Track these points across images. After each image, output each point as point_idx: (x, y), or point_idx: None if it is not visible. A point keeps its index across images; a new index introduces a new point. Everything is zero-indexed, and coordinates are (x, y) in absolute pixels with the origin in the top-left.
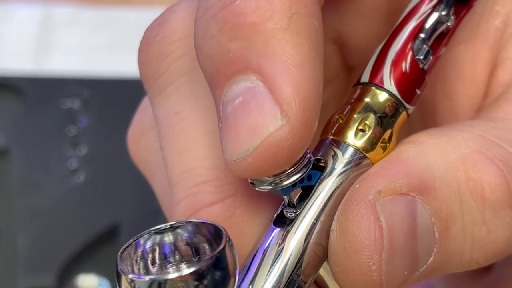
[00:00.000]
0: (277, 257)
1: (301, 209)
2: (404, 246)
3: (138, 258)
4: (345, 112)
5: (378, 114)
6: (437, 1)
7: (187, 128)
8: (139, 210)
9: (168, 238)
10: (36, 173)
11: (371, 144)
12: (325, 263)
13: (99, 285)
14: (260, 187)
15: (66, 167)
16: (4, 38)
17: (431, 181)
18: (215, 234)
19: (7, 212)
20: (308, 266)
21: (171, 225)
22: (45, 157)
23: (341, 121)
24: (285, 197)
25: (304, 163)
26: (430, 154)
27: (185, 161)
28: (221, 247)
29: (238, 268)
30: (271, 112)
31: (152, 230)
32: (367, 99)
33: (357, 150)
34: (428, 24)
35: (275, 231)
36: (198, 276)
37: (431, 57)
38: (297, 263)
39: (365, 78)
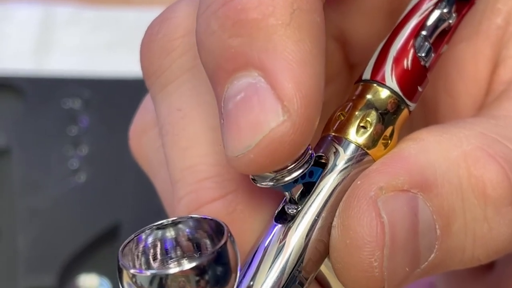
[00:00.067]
0: (279, 253)
1: (302, 206)
2: (406, 243)
3: (140, 254)
4: (346, 109)
5: (380, 111)
6: None
7: (189, 125)
8: (140, 210)
9: (170, 233)
10: (36, 173)
11: (373, 141)
12: (326, 260)
13: (100, 285)
14: (262, 183)
15: (67, 167)
16: (4, 38)
17: (432, 178)
18: (217, 229)
19: (8, 212)
20: (310, 262)
21: (172, 220)
22: (46, 157)
23: (342, 118)
24: (286, 193)
25: (306, 159)
26: (431, 151)
27: (187, 157)
28: (222, 242)
29: (239, 264)
30: (272, 108)
31: (154, 225)
32: (368, 96)
33: (358, 146)
34: (429, 22)
35: (277, 227)
36: (199, 271)
37: (432, 55)
38: (299, 259)
39: (366, 75)
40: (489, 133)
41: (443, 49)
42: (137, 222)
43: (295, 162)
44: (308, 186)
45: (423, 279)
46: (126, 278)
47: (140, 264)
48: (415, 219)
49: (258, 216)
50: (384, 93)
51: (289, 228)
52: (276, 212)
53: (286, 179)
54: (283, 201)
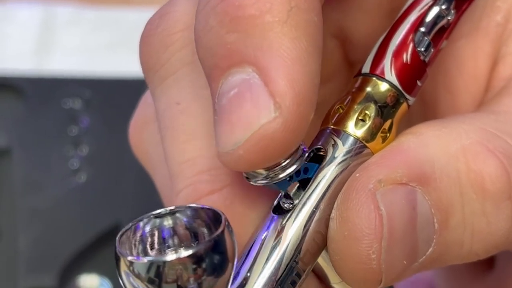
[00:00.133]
0: (276, 244)
1: (300, 198)
2: (404, 236)
3: (137, 242)
4: (345, 102)
5: (379, 104)
6: None
7: (188, 119)
8: (141, 210)
9: (167, 222)
10: (37, 173)
11: (371, 134)
12: (324, 252)
13: (101, 285)
14: (255, 181)
15: (68, 167)
16: (5, 38)
17: (431, 172)
18: (214, 219)
19: (8, 212)
20: (307, 253)
21: (170, 209)
22: (46, 157)
23: (341, 111)
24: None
25: (298, 156)
26: (431, 145)
27: (185, 151)
28: (219, 230)
29: (236, 254)
30: (264, 104)
31: (152, 214)
32: (368, 89)
33: (357, 139)
34: (428, 18)
35: (274, 218)
36: (196, 259)
37: (432, 50)
38: (296, 250)
39: (366, 69)
40: (488, 128)
41: (443, 44)
42: None
43: (287, 159)
44: (304, 183)
45: (423, 279)
46: (123, 267)
47: (138, 252)
48: (413, 212)
49: (255, 209)
50: (383, 87)
51: (287, 219)
52: (274, 203)
53: (280, 176)
54: (279, 196)
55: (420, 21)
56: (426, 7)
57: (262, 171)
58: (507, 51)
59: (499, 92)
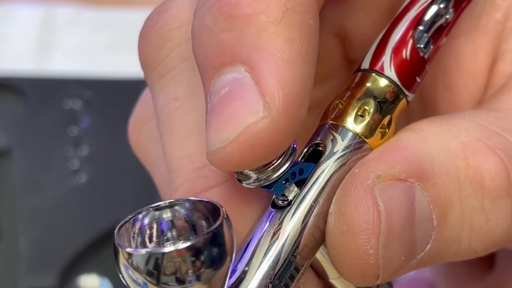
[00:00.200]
0: (274, 238)
1: (298, 192)
2: (402, 231)
3: (136, 234)
4: (345, 98)
5: (378, 100)
6: None
7: (186, 114)
8: None
9: (166, 215)
10: (37, 173)
11: (370, 130)
12: (322, 247)
13: (101, 285)
14: (247, 183)
15: (68, 167)
16: (5, 39)
17: (430, 168)
18: (213, 212)
19: (9, 212)
20: (306, 248)
21: (169, 202)
22: (47, 157)
23: (340, 106)
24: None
25: (288, 155)
26: (430, 141)
27: (183, 147)
28: (218, 223)
29: (235, 247)
30: (254, 103)
31: (151, 207)
32: (367, 85)
33: (356, 135)
34: (427, 17)
35: (273, 213)
36: (195, 251)
37: (431, 46)
38: (294, 244)
39: (365, 64)
40: (488, 125)
41: (442, 41)
42: None
43: (277, 159)
44: (300, 184)
45: (423, 279)
46: (122, 259)
47: (136, 245)
48: (411, 208)
49: (253, 204)
50: (382, 82)
51: (286, 214)
52: (273, 198)
53: (271, 178)
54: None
55: (419, 19)
56: (425, 4)
57: (252, 173)
58: (506, 49)
59: (499, 89)
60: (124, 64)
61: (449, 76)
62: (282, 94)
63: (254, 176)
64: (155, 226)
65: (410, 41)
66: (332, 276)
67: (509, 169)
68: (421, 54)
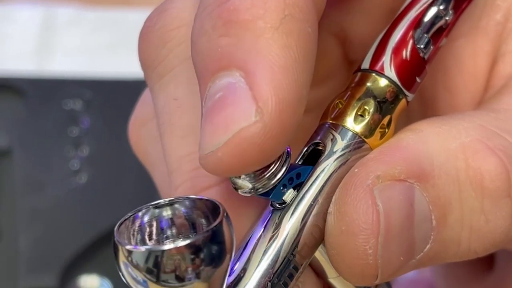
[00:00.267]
0: (274, 237)
1: (298, 192)
2: (401, 232)
3: (135, 232)
4: (345, 97)
5: (378, 100)
6: None
7: (185, 114)
8: None
9: (166, 213)
10: (38, 173)
11: (370, 129)
12: (321, 246)
13: (101, 286)
14: (244, 192)
15: (68, 167)
16: (6, 39)
17: (430, 169)
18: (213, 210)
19: (9, 212)
20: (305, 247)
21: (169, 200)
22: (47, 157)
23: (340, 106)
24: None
25: (283, 161)
26: (430, 142)
27: (183, 146)
28: (218, 221)
29: (234, 245)
30: (247, 107)
31: (151, 204)
32: (367, 84)
33: (355, 134)
34: (426, 18)
35: (273, 212)
36: (194, 248)
37: (431, 47)
38: (293, 243)
39: (365, 65)
40: (488, 126)
41: (442, 42)
42: None
43: (272, 166)
44: (298, 188)
45: (423, 279)
46: (121, 257)
47: (136, 242)
48: (411, 208)
49: (253, 204)
50: (382, 82)
51: (285, 212)
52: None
53: (268, 185)
54: None
55: (419, 20)
56: (425, 6)
57: (248, 182)
58: (506, 50)
59: (499, 90)
60: (124, 65)
61: (449, 77)
62: (275, 100)
63: (250, 185)
64: (155, 224)
65: (410, 42)
66: (331, 275)
67: (509, 170)
68: (421, 54)
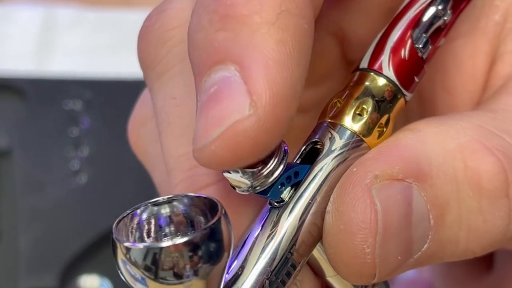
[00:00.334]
0: (272, 235)
1: (296, 190)
2: (399, 231)
3: (134, 229)
4: (343, 96)
5: (376, 98)
6: None
7: (184, 113)
8: None
9: (165, 210)
10: (38, 174)
11: (368, 128)
12: (319, 245)
13: (101, 286)
14: (242, 191)
15: (68, 168)
16: (6, 39)
17: (428, 168)
18: (211, 208)
19: (9, 212)
20: (302, 245)
21: (168, 198)
22: (47, 158)
23: (339, 105)
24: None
25: (280, 159)
26: (428, 142)
27: (181, 145)
28: (216, 218)
29: (232, 243)
30: (241, 101)
31: (149, 202)
32: (366, 84)
33: (354, 133)
34: (425, 18)
35: (271, 210)
36: (192, 246)
37: (430, 47)
38: (291, 241)
39: (364, 64)
40: (486, 126)
41: (440, 42)
42: None
43: (269, 164)
44: (297, 186)
45: (422, 279)
46: (120, 254)
47: (134, 239)
48: (408, 208)
49: (251, 202)
50: (381, 81)
51: (283, 211)
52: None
53: (266, 183)
54: None
55: (417, 19)
56: (423, 6)
57: (246, 180)
58: (505, 50)
59: (498, 90)
60: (125, 65)
61: (447, 77)
62: (269, 94)
63: (247, 183)
64: (153, 221)
65: (409, 41)
66: (329, 273)
67: (507, 169)
68: (419, 54)
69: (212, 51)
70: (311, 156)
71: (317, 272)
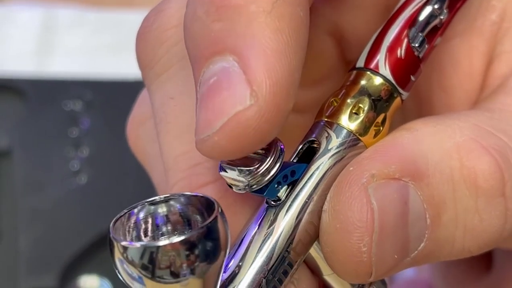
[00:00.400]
0: (269, 233)
1: (293, 189)
2: (395, 230)
3: (131, 228)
4: (339, 96)
5: (373, 97)
6: None
7: (182, 113)
8: None
9: (161, 209)
10: (38, 174)
11: (364, 127)
12: (316, 243)
13: (101, 286)
14: (238, 189)
15: (68, 168)
16: (6, 40)
17: (424, 168)
18: (208, 207)
19: (9, 212)
20: (299, 244)
21: (164, 197)
22: (47, 158)
23: (335, 104)
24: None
25: (276, 157)
26: (425, 141)
27: (179, 144)
28: (212, 217)
29: (229, 242)
30: (241, 91)
31: (146, 201)
32: (362, 83)
33: (350, 132)
34: (421, 17)
35: (268, 209)
36: (189, 245)
37: (426, 46)
38: (288, 240)
39: (360, 63)
40: (483, 126)
41: (437, 41)
42: None
43: (265, 163)
44: (293, 185)
45: (422, 280)
46: (117, 253)
47: (131, 238)
48: (405, 207)
49: (248, 201)
50: (377, 81)
51: (280, 209)
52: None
53: (262, 182)
54: None
55: (414, 18)
56: (420, 5)
57: (242, 178)
58: (502, 50)
59: (494, 90)
60: (125, 66)
61: (444, 77)
62: (269, 83)
63: (244, 181)
64: (150, 220)
65: (405, 40)
66: (326, 272)
67: (503, 169)
68: (415, 53)
69: (210, 42)
70: (308, 155)
71: (314, 270)
